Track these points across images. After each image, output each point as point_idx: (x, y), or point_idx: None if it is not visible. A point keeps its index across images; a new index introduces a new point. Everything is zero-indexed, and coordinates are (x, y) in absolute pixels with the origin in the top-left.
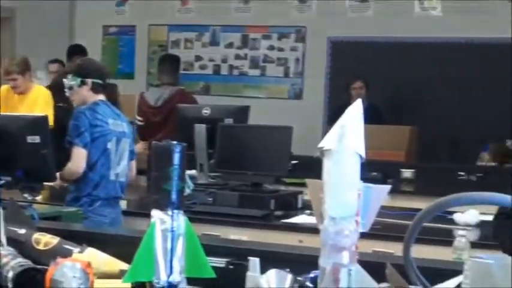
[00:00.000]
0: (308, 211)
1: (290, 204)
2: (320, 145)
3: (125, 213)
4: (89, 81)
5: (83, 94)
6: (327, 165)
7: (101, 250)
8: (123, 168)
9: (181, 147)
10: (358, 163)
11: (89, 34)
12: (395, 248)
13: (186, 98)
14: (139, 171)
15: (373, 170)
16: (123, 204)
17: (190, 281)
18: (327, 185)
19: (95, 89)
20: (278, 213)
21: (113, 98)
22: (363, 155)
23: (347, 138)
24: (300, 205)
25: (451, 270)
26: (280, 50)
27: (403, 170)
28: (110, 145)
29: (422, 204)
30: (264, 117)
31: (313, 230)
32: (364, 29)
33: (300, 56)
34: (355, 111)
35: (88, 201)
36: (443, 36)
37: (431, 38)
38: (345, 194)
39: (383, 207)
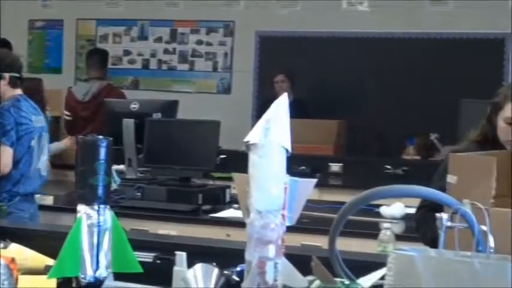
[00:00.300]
0: (236, 205)
1: (218, 199)
2: (246, 139)
3: (52, 208)
4: (7, 75)
5: (0, 89)
6: (253, 159)
7: (25, 246)
8: (43, 162)
9: (108, 142)
10: (284, 157)
11: (14, 28)
12: (323, 241)
13: (114, 93)
14: (68, 166)
15: (302, 164)
16: (48, 199)
17: (117, 276)
18: (253, 178)
19: (13, 83)
20: (206, 207)
21: (36, 92)
22: (289, 148)
23: (273, 132)
24: (228, 199)
25: (376, 263)
26: (209, 44)
27: (331, 163)
28: (33, 142)
29: (350, 197)
30: (192, 112)
31: (240, 224)
32: (293, 24)
33: (229, 50)
34: (280, 105)
35: (7, 196)
36: (370, 31)
37: (359, 33)
38: (271, 188)
39: (311, 201)
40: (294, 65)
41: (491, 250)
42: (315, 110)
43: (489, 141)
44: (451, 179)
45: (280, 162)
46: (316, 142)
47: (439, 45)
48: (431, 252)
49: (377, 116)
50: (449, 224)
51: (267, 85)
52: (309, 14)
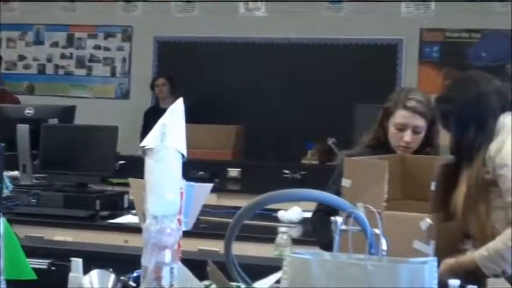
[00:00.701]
0: (134, 211)
1: (116, 205)
2: (142, 144)
3: None
4: None
5: None
6: (149, 164)
7: None
8: None
9: None
10: (180, 162)
11: None
12: (220, 246)
13: (8, 98)
14: None
15: (200, 169)
16: None
17: (10, 283)
18: (149, 183)
19: None
20: (104, 213)
21: None
22: (185, 153)
23: (168, 137)
24: (126, 205)
25: (273, 267)
26: (107, 49)
27: (230, 168)
28: None
29: (248, 202)
30: (91, 117)
31: (138, 229)
32: (190, 29)
33: (127, 55)
34: (176, 110)
35: None
36: (267, 37)
37: (256, 38)
38: (166, 193)
39: (210, 206)
40: (193, 70)
41: (384, 253)
42: (213, 114)
43: (381, 146)
44: (345, 182)
45: (176, 167)
46: (214, 147)
47: (335, 50)
48: (326, 255)
49: (275, 121)
50: (343, 227)
51: None
52: (207, 19)
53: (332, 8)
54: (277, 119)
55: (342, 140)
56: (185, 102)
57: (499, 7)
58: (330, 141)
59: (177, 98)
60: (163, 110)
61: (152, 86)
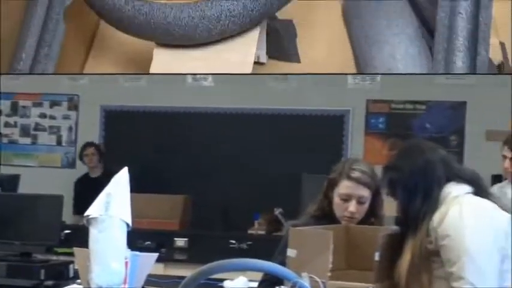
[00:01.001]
0: (79, 280)
1: (61, 274)
2: (86, 213)
3: None
4: None
5: None
6: (93, 233)
7: None
8: None
9: None
10: (124, 231)
11: None
12: None
13: None
14: None
15: (147, 239)
16: None
17: None
18: (93, 253)
19: None
20: (48, 283)
21: None
22: (130, 222)
23: (113, 207)
24: (71, 275)
25: None
26: (52, 118)
27: (177, 238)
28: None
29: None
30: (36, 187)
31: None
32: (138, 98)
33: (73, 124)
34: (121, 179)
35: None
36: (214, 107)
37: (203, 108)
38: (111, 262)
39: (156, 276)
40: (140, 140)
41: None
42: (159, 184)
43: (326, 216)
44: (290, 252)
45: (121, 237)
46: (161, 217)
47: (282, 120)
48: None
49: (223, 191)
50: None
51: (113, 159)
52: (154, 89)
53: (279, 78)
54: (225, 189)
55: (289, 210)
56: (131, 171)
57: (443, 79)
58: (277, 211)
59: (104, 167)
60: (93, 180)
61: (81, 156)
